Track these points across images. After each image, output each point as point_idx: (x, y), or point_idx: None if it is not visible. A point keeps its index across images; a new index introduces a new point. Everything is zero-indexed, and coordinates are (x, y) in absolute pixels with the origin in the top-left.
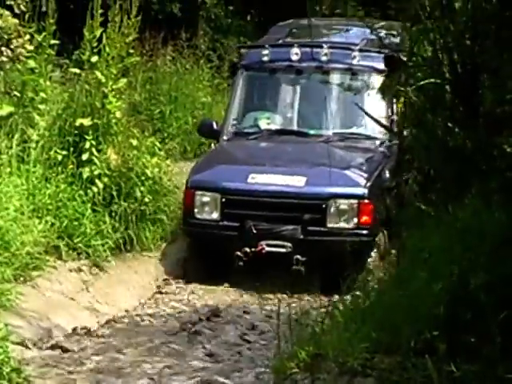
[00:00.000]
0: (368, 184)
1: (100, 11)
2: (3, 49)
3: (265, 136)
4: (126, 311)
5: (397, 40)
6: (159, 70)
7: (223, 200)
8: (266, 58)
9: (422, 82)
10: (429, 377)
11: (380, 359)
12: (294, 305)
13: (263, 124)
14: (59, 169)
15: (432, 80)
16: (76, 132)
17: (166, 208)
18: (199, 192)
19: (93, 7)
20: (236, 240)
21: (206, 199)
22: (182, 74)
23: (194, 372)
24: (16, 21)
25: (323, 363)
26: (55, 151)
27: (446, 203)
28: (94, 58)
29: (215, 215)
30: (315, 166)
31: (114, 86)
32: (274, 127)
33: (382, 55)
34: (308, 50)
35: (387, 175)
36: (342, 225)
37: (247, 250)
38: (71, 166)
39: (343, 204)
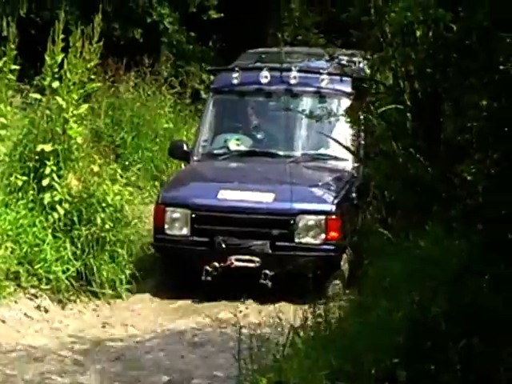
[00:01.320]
0: (335, 201)
1: (61, 36)
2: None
3: (234, 157)
4: (84, 337)
5: (360, 66)
6: (121, 96)
7: (193, 216)
8: (235, 81)
9: (383, 109)
10: None
11: None
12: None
13: (233, 145)
14: (20, 194)
15: (393, 107)
16: (37, 158)
17: (125, 240)
18: (169, 208)
19: (54, 32)
20: (206, 255)
21: (176, 215)
22: (145, 101)
23: None
24: None
25: None
26: (15, 177)
27: (406, 230)
28: (55, 84)
29: (185, 231)
30: (283, 184)
31: (75, 112)
32: (243, 148)
33: (351, 78)
34: (277, 73)
35: (354, 194)
36: (310, 240)
37: (216, 264)
38: (32, 192)
39: (311, 220)
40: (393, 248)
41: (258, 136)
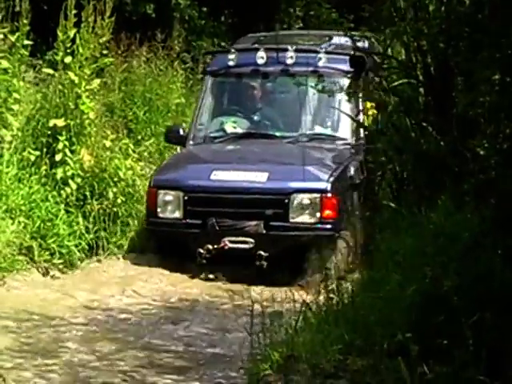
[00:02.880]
0: (331, 179)
1: (74, 12)
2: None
3: (231, 139)
4: (98, 307)
5: (365, 44)
6: (134, 71)
7: (186, 198)
8: (231, 63)
9: (395, 83)
10: (401, 379)
11: (353, 361)
12: (265, 303)
13: (229, 128)
14: (32, 169)
15: (405, 82)
16: (49, 133)
17: (137, 214)
18: (162, 191)
19: (66, 7)
20: (199, 237)
21: (168, 198)
22: (157, 75)
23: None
24: None
25: (296, 365)
26: (28, 152)
27: (418, 205)
28: (68, 59)
29: (178, 214)
30: (278, 164)
31: (87, 87)
32: (240, 131)
33: (348, 57)
34: (274, 53)
35: (352, 172)
36: (305, 219)
37: (210, 247)
38: (44, 167)
39: (305, 198)
40: (405, 222)
41: (255, 118)
